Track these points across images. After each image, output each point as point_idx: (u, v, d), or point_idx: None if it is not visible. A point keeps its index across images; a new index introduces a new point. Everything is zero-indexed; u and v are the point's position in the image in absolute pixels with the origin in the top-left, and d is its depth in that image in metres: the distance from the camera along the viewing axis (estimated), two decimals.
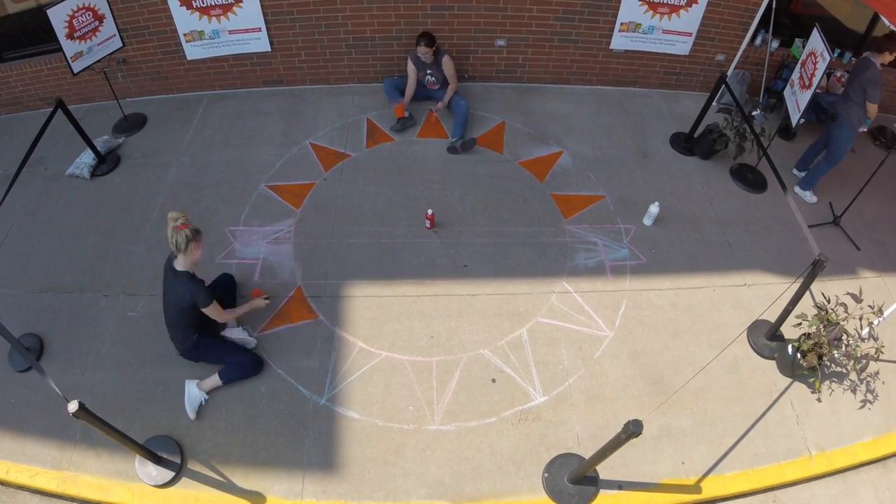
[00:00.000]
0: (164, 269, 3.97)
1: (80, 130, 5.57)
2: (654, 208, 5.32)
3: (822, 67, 4.83)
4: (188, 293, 3.85)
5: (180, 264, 3.84)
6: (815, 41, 5.03)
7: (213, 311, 3.99)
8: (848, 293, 4.24)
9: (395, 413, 4.19)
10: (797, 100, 5.29)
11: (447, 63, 6.09)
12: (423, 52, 5.92)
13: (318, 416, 4.17)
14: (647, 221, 5.41)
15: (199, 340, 4.17)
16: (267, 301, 4.51)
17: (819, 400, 4.40)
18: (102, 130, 6.20)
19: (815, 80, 4.93)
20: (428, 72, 6.22)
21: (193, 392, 4.16)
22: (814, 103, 6.02)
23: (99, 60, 5.69)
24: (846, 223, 5.62)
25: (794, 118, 5.29)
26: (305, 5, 6.04)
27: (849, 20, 6.54)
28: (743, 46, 6.32)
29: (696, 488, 3.96)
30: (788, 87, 5.53)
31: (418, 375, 4.40)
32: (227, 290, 4.67)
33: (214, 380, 4.22)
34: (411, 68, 6.17)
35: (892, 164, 6.38)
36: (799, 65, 5.34)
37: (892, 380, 4.57)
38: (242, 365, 4.30)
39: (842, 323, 4.13)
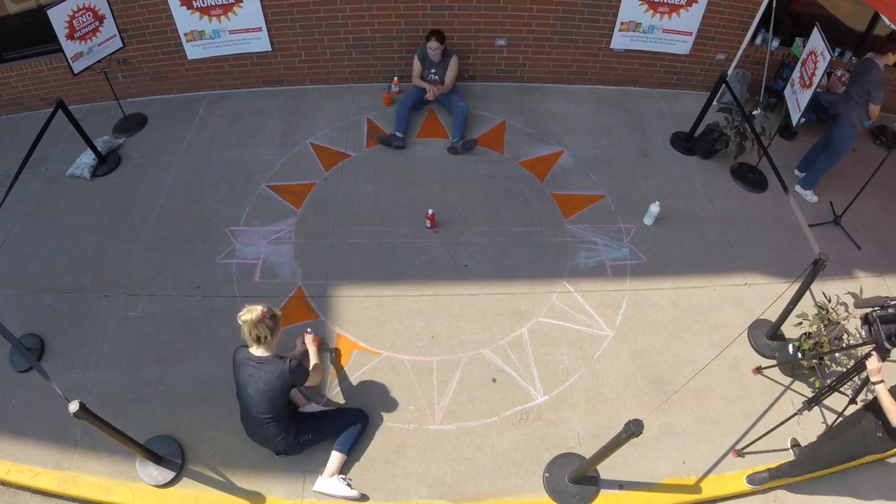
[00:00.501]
0: (236, 366, 3.60)
1: (80, 131, 5.57)
2: (654, 208, 5.32)
3: (822, 67, 4.83)
4: (284, 375, 3.47)
5: (262, 351, 3.51)
6: (816, 40, 5.02)
7: (313, 378, 3.77)
8: (848, 292, 4.24)
9: (395, 413, 4.20)
10: (797, 99, 5.29)
11: (454, 63, 6.16)
12: (434, 48, 5.94)
13: None
14: (648, 221, 5.41)
15: (298, 427, 3.80)
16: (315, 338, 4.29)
17: (814, 399, 4.39)
18: (103, 131, 6.20)
19: (816, 80, 4.93)
20: (433, 70, 6.22)
21: (331, 486, 3.81)
22: (814, 103, 6.01)
23: (99, 61, 5.69)
24: (847, 222, 5.62)
25: (795, 117, 5.29)
26: (306, 5, 6.04)
27: (849, 19, 6.53)
28: (743, 46, 6.33)
29: (696, 488, 3.96)
30: (789, 86, 5.53)
31: (419, 375, 4.40)
32: None
33: (337, 459, 3.87)
34: (417, 64, 6.22)
35: (893, 164, 6.39)
36: (799, 64, 5.33)
37: (892, 379, 4.55)
38: (352, 423, 3.98)
39: (842, 322, 4.13)
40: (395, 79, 6.58)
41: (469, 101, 6.65)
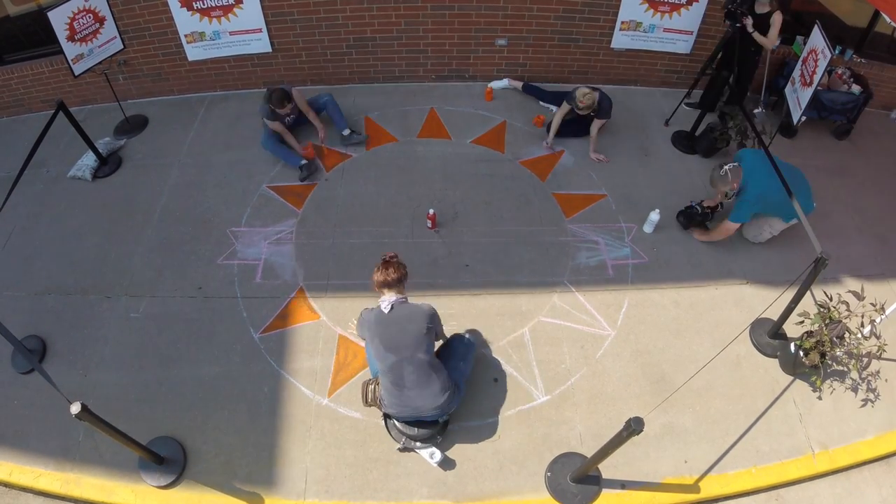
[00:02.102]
0: (376, 322, 3.73)
1: (81, 132, 5.58)
2: (654, 216, 5.30)
3: (822, 65, 4.82)
4: (427, 313, 3.76)
5: (395, 296, 3.75)
6: (816, 38, 5.02)
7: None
8: (850, 291, 4.23)
9: None
10: (798, 97, 5.28)
11: (300, 98, 5.83)
12: (287, 110, 5.64)
13: (321, 416, 4.18)
14: (648, 229, 5.37)
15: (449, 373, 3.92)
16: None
17: (819, 398, 4.40)
18: (104, 132, 6.22)
19: (816, 78, 4.92)
20: (286, 119, 5.83)
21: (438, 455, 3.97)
22: (815, 101, 6.00)
23: (100, 62, 5.70)
24: (848, 221, 5.62)
25: (795, 116, 5.29)
26: (306, 6, 6.05)
27: (850, 17, 6.52)
28: None
29: (698, 487, 3.95)
30: (790, 84, 5.52)
31: None
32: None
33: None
34: (277, 126, 5.73)
35: (894, 161, 6.39)
36: (800, 62, 5.33)
37: (895, 377, 4.56)
38: (467, 357, 4.15)
39: (844, 321, 4.12)
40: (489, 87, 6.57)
41: (469, 100, 6.66)
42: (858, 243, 5.48)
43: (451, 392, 3.83)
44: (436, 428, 3.95)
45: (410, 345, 3.69)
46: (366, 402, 4.03)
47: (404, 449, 3.99)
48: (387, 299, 3.73)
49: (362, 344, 4.53)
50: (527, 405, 4.27)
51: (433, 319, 3.79)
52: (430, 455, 3.95)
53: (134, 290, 4.87)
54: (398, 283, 3.76)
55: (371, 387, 3.98)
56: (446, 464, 3.96)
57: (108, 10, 5.52)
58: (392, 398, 3.77)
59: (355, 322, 4.04)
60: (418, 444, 3.96)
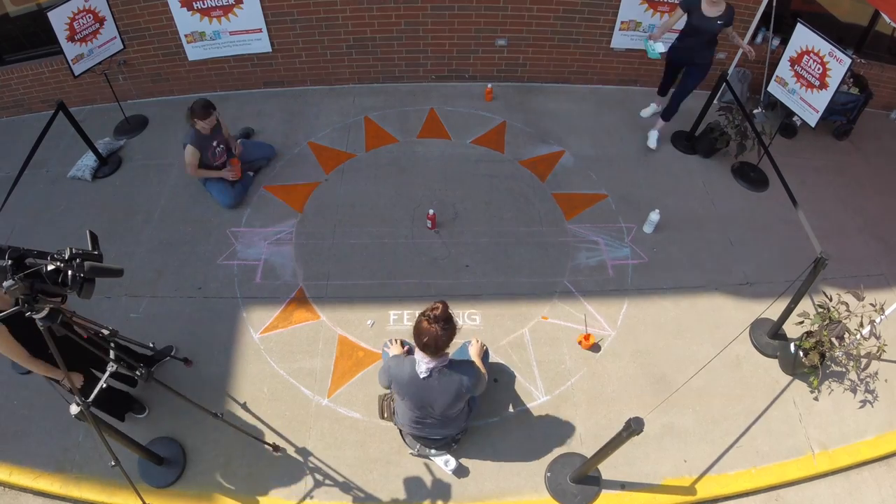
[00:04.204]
0: (409, 384, 3.31)
1: (81, 133, 5.58)
2: (654, 216, 5.30)
3: (838, 68, 4.85)
4: (467, 388, 3.32)
5: (436, 361, 3.20)
6: (808, 37, 5.06)
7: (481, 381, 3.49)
8: (850, 291, 4.24)
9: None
10: (806, 100, 5.26)
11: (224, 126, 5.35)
12: (205, 125, 5.02)
13: (321, 416, 4.17)
14: (648, 229, 5.38)
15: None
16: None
17: (816, 399, 4.40)
18: (104, 132, 6.21)
19: (832, 81, 4.94)
20: (216, 144, 5.25)
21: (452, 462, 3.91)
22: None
23: (100, 63, 5.70)
24: (848, 221, 5.62)
25: (812, 119, 5.25)
26: (306, 6, 6.05)
27: (849, 17, 6.53)
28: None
29: (698, 487, 3.95)
30: (778, 85, 5.53)
31: None
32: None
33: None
34: (192, 154, 5.10)
35: (894, 161, 6.39)
36: (787, 62, 5.34)
37: (894, 377, 4.56)
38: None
39: (844, 321, 4.12)
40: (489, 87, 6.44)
41: (469, 101, 6.66)
42: (858, 243, 5.49)
43: (468, 415, 3.74)
44: (451, 438, 3.90)
45: (440, 409, 3.40)
46: (382, 416, 4.00)
47: (419, 455, 3.97)
48: (426, 361, 3.21)
49: (363, 344, 4.54)
50: (527, 405, 4.27)
51: (471, 390, 3.37)
52: (444, 462, 3.92)
53: (134, 290, 4.87)
54: (442, 349, 3.16)
55: (387, 402, 3.92)
56: (460, 471, 3.94)
57: (107, 10, 5.52)
58: (410, 428, 3.68)
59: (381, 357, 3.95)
60: (433, 451, 3.92)
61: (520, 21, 6.32)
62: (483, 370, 3.58)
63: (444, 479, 3.91)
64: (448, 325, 3.08)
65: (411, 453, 3.97)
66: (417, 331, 3.11)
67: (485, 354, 4.06)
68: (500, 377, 4.40)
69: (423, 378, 3.24)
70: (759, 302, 4.82)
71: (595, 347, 4.57)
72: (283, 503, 3.81)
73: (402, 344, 4.09)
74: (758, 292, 4.98)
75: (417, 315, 3.15)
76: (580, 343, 4.53)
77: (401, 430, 3.97)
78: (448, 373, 3.27)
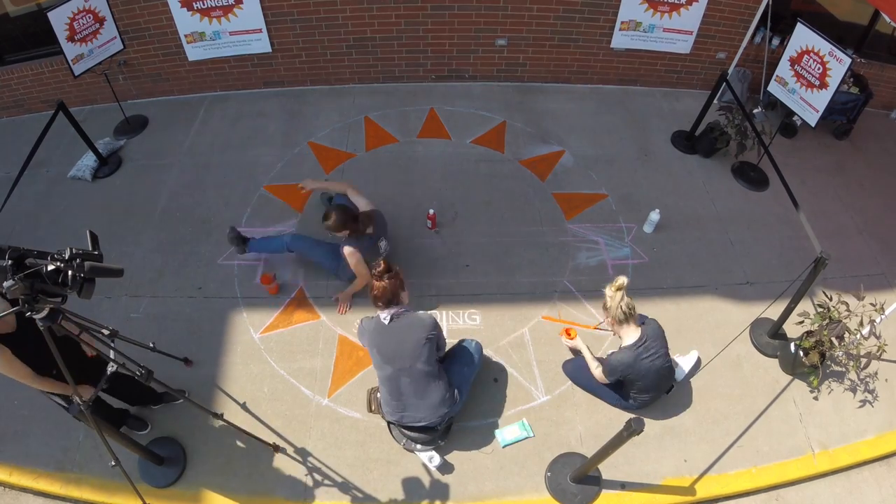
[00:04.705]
0: (375, 332, 3.69)
1: (81, 133, 5.58)
2: (654, 215, 5.30)
3: (838, 68, 4.86)
4: (428, 323, 3.70)
5: (394, 308, 3.66)
6: (808, 37, 5.06)
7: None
8: (850, 291, 4.24)
9: None
10: (806, 99, 5.26)
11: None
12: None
13: (321, 416, 4.18)
14: (648, 229, 5.37)
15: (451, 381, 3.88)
16: None
17: (816, 399, 4.40)
18: (104, 132, 6.21)
19: (832, 80, 4.94)
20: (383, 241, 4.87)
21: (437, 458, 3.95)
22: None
23: (100, 63, 5.70)
24: (848, 221, 5.62)
25: (813, 119, 5.25)
26: (306, 6, 6.05)
27: (849, 17, 6.52)
28: (744, 44, 6.33)
29: (699, 487, 3.95)
30: (778, 84, 5.53)
31: None
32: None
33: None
34: (361, 263, 4.60)
35: (894, 161, 6.39)
36: (787, 61, 5.34)
37: (894, 377, 4.56)
38: (472, 362, 4.10)
39: (844, 321, 4.12)
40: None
41: (469, 100, 6.67)
42: (858, 243, 5.48)
43: (451, 400, 3.79)
44: (437, 433, 3.92)
45: (409, 355, 3.63)
46: (370, 409, 4.07)
47: (406, 449, 4.00)
48: (386, 312, 3.67)
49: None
50: (527, 405, 4.27)
51: (434, 329, 3.70)
52: (429, 459, 3.93)
53: (134, 290, 4.87)
54: (394, 297, 3.65)
55: (376, 395, 3.98)
56: (444, 468, 3.95)
57: (107, 10, 5.52)
58: (390, 407, 3.77)
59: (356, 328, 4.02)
60: (419, 446, 3.96)
61: (520, 21, 6.32)
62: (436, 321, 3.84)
63: (444, 479, 3.91)
64: (392, 276, 3.63)
65: (401, 445, 3.99)
66: (372, 291, 3.64)
67: (473, 352, 4.13)
68: (500, 377, 4.40)
69: (387, 323, 3.64)
70: (759, 302, 4.82)
71: (594, 348, 4.57)
72: (283, 503, 3.81)
73: None
74: (758, 292, 4.98)
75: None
76: (562, 336, 4.48)
77: (388, 424, 4.03)
78: (409, 314, 3.71)
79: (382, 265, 3.67)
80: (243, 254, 4.95)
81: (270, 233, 5.26)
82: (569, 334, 4.40)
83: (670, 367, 3.96)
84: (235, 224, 5.31)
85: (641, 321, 3.85)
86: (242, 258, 5.04)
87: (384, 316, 3.65)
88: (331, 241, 4.74)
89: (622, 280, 3.69)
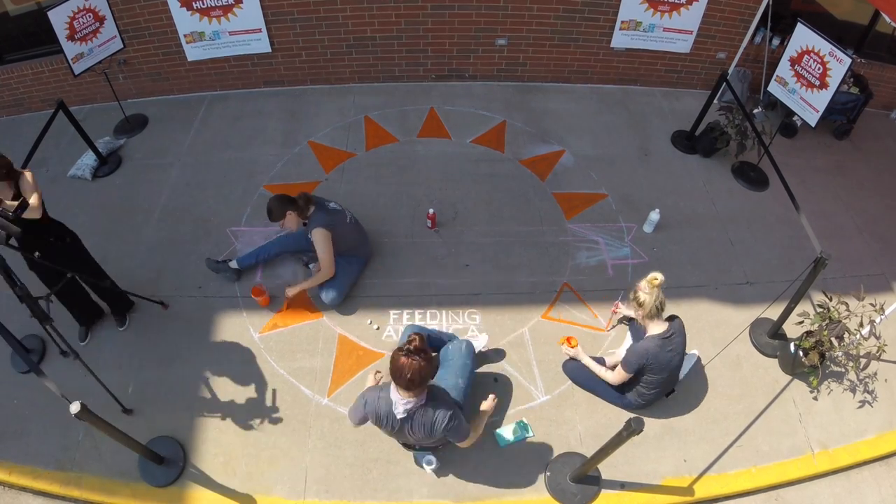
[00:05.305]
0: (386, 422, 3.25)
1: (81, 132, 5.58)
2: (654, 215, 5.30)
3: (839, 68, 4.86)
4: (445, 425, 3.22)
5: (413, 400, 3.09)
6: (808, 37, 5.06)
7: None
8: (850, 291, 4.24)
9: None
10: (807, 99, 5.26)
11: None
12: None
13: (321, 415, 4.17)
14: (648, 229, 5.37)
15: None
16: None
17: (816, 399, 4.40)
18: (104, 132, 6.21)
19: (832, 80, 4.94)
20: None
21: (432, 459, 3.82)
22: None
23: (100, 62, 5.69)
24: (848, 221, 5.62)
25: (813, 119, 5.25)
26: (306, 6, 6.04)
27: (849, 17, 6.52)
28: (744, 44, 6.33)
29: (698, 487, 3.95)
30: (779, 84, 5.53)
31: None
32: None
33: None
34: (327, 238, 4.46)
35: (894, 161, 6.39)
36: (787, 61, 5.34)
37: (894, 377, 4.56)
38: (466, 372, 3.87)
39: (844, 321, 4.12)
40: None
41: (469, 100, 6.66)
42: (858, 243, 5.48)
43: (453, 428, 3.30)
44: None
45: (419, 442, 3.47)
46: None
47: (405, 445, 3.96)
48: (403, 402, 3.08)
49: (363, 343, 4.54)
50: (527, 405, 4.27)
51: (448, 432, 3.27)
52: (426, 462, 3.83)
53: (134, 289, 4.85)
54: (420, 384, 3.03)
55: None
56: (441, 471, 3.92)
57: (107, 9, 5.51)
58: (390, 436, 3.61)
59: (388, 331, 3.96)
60: (416, 447, 3.89)
61: (520, 21, 6.32)
62: (477, 429, 3.57)
63: (444, 478, 3.91)
64: (427, 356, 3.00)
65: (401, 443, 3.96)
66: (397, 368, 2.95)
67: (465, 361, 3.93)
68: (500, 377, 4.40)
69: (401, 419, 3.16)
70: (759, 302, 4.82)
71: (594, 348, 4.57)
72: (283, 502, 3.81)
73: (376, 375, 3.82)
74: (758, 292, 4.98)
75: (392, 354, 3.02)
76: (563, 345, 4.34)
77: None
78: (424, 410, 3.16)
79: (416, 340, 3.02)
80: (238, 277, 4.91)
81: (270, 232, 5.26)
82: (570, 343, 4.32)
83: (680, 367, 3.96)
84: (234, 224, 5.32)
85: (669, 318, 3.86)
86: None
87: (400, 410, 3.11)
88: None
89: (660, 278, 3.68)
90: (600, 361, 4.19)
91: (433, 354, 3.14)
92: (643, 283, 3.74)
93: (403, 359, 2.93)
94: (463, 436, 3.37)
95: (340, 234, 4.50)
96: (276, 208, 4.26)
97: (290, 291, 4.61)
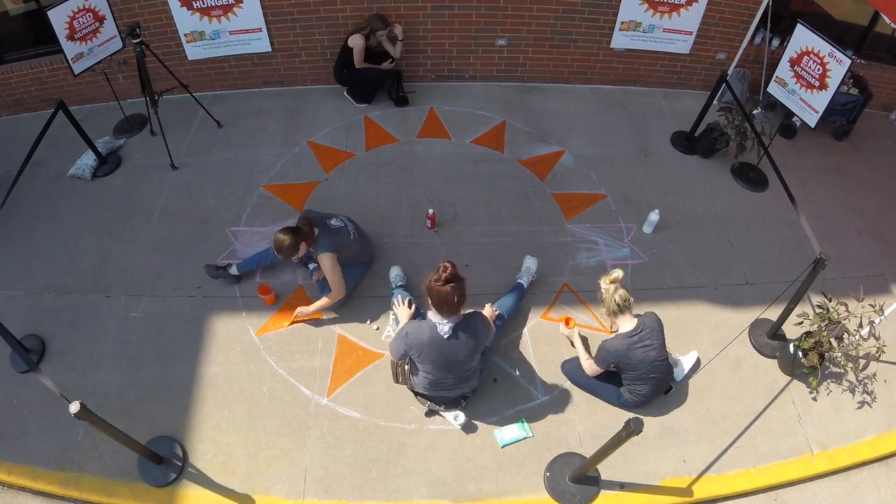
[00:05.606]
0: (430, 344, 3.49)
1: (81, 132, 5.57)
2: (653, 216, 5.30)
3: (838, 69, 4.88)
4: (484, 330, 3.64)
5: (454, 318, 3.45)
6: (808, 38, 5.06)
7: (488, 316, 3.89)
8: (849, 292, 4.24)
9: (396, 413, 4.19)
10: (806, 100, 5.27)
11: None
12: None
13: (320, 415, 4.17)
14: (647, 230, 5.37)
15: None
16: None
17: (815, 399, 4.40)
18: (103, 131, 6.21)
19: (832, 81, 4.94)
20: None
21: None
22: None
23: (100, 61, 5.69)
24: (847, 222, 5.63)
25: (812, 120, 5.26)
26: (306, 5, 6.04)
27: (849, 17, 6.53)
28: (743, 45, 6.33)
29: (697, 487, 3.95)
30: (778, 85, 5.54)
31: None
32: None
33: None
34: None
35: (894, 162, 6.40)
36: (786, 62, 5.35)
37: (894, 378, 4.56)
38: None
39: (843, 322, 4.13)
40: None
41: (469, 100, 6.67)
42: (858, 244, 5.49)
43: (479, 370, 3.88)
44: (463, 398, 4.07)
45: (462, 364, 3.65)
46: (396, 380, 3.95)
47: (429, 412, 4.10)
48: (446, 321, 3.43)
49: (363, 343, 4.54)
50: (526, 405, 4.27)
51: (486, 336, 3.64)
52: (454, 417, 4.03)
53: (133, 289, 4.86)
54: (459, 307, 3.40)
55: (403, 367, 3.85)
56: (469, 427, 4.06)
57: (108, 9, 5.51)
58: (423, 388, 3.86)
59: (387, 331, 4.08)
60: (442, 407, 4.04)
61: (520, 21, 6.32)
62: (490, 321, 3.86)
63: (444, 478, 3.91)
64: (461, 283, 3.34)
65: (424, 412, 4.11)
66: (434, 294, 3.32)
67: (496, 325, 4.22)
68: (500, 377, 4.40)
69: (447, 338, 3.44)
70: (759, 302, 4.82)
71: (593, 348, 4.57)
72: (282, 502, 3.81)
73: (410, 304, 4.24)
74: (757, 293, 4.98)
75: (427, 280, 3.35)
76: (561, 322, 4.59)
77: (412, 389, 4.05)
78: (466, 324, 3.49)
79: (450, 268, 3.31)
80: (237, 281, 4.90)
81: (269, 232, 5.25)
82: (567, 323, 4.49)
83: (667, 362, 3.98)
84: (234, 224, 5.32)
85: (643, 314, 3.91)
86: (242, 257, 5.03)
87: (446, 329, 3.44)
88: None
89: (617, 273, 3.80)
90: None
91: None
92: (602, 279, 3.84)
93: (447, 287, 3.28)
94: (492, 330, 3.83)
95: (346, 251, 4.53)
96: (289, 245, 4.21)
97: (302, 313, 4.56)
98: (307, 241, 4.31)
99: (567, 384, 4.37)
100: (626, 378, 4.01)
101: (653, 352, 3.83)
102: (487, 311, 4.14)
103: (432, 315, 3.46)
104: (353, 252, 4.65)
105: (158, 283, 4.91)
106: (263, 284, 4.75)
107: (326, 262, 4.34)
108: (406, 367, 3.86)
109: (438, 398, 3.98)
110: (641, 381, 3.95)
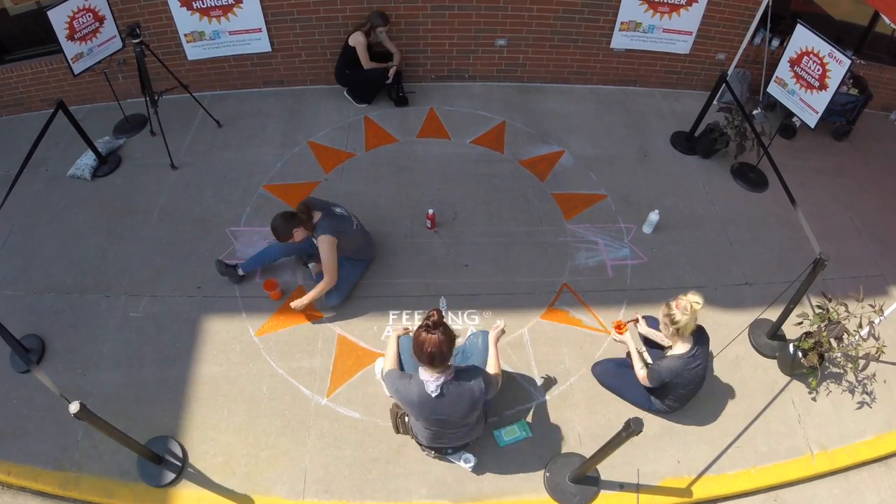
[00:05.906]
0: (419, 404, 3.24)
1: (80, 131, 5.57)
2: (653, 216, 5.30)
3: (838, 69, 4.88)
4: (480, 395, 3.29)
5: (443, 376, 3.16)
6: (807, 38, 5.07)
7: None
8: (849, 292, 4.24)
9: None
10: (804, 100, 5.27)
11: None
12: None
13: (320, 416, 4.17)
14: (647, 230, 5.37)
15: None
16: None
17: (815, 400, 4.40)
18: (103, 131, 6.21)
19: (832, 82, 4.95)
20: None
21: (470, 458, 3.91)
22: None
23: (99, 61, 5.69)
24: (847, 222, 5.63)
25: (812, 120, 5.26)
26: (306, 6, 6.04)
27: (849, 18, 6.53)
28: (743, 45, 6.33)
29: (697, 488, 3.95)
30: (778, 86, 5.54)
31: None
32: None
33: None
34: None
35: (893, 163, 6.40)
36: (786, 62, 5.35)
37: (893, 378, 4.56)
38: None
39: (843, 322, 4.13)
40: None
41: (469, 100, 6.67)
42: (857, 244, 5.49)
43: (485, 421, 3.75)
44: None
45: (458, 422, 3.42)
46: (397, 431, 3.93)
47: (437, 456, 3.95)
48: (433, 379, 3.15)
49: (363, 344, 4.54)
50: (526, 405, 4.27)
51: (485, 395, 3.33)
52: (464, 461, 3.91)
53: (133, 289, 4.86)
54: (445, 358, 3.09)
55: (401, 419, 3.82)
56: (479, 468, 3.94)
57: (107, 9, 5.51)
58: (425, 439, 3.67)
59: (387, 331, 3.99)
60: (450, 451, 3.88)
61: (520, 21, 6.32)
62: (496, 368, 3.65)
63: (443, 478, 3.91)
64: (447, 331, 3.08)
65: (429, 455, 3.96)
66: (419, 344, 3.06)
67: (485, 339, 3.93)
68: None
69: (435, 397, 3.19)
70: (758, 302, 4.82)
71: (593, 348, 4.57)
72: (282, 502, 3.81)
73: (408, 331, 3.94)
74: (757, 293, 4.98)
75: (414, 331, 3.14)
76: (614, 329, 4.55)
77: (415, 440, 3.87)
78: (458, 383, 3.22)
79: (436, 315, 3.10)
80: (240, 280, 4.90)
81: (269, 232, 5.25)
82: (619, 329, 4.43)
83: (706, 372, 3.98)
84: (234, 224, 5.32)
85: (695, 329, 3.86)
86: (242, 257, 5.03)
87: (432, 387, 3.16)
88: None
89: (701, 299, 3.69)
90: (653, 345, 4.25)
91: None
92: (684, 303, 3.70)
93: (424, 334, 3.03)
94: (496, 386, 3.50)
95: (347, 240, 4.51)
96: (282, 228, 4.26)
97: (297, 305, 4.54)
98: (305, 226, 4.32)
99: (567, 384, 4.37)
100: (671, 395, 3.98)
101: (703, 371, 3.84)
102: (493, 333, 3.82)
103: (422, 371, 3.20)
104: (355, 244, 4.65)
105: (158, 283, 4.91)
106: (270, 280, 4.76)
107: (325, 245, 4.33)
108: (406, 418, 3.75)
109: (442, 449, 3.81)
110: (687, 396, 3.98)
